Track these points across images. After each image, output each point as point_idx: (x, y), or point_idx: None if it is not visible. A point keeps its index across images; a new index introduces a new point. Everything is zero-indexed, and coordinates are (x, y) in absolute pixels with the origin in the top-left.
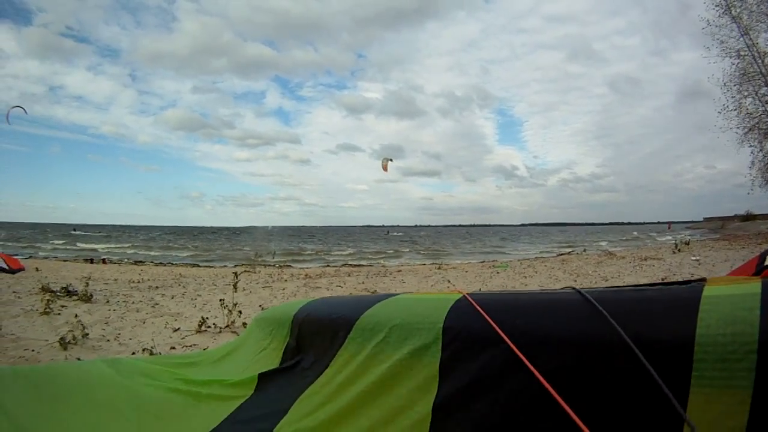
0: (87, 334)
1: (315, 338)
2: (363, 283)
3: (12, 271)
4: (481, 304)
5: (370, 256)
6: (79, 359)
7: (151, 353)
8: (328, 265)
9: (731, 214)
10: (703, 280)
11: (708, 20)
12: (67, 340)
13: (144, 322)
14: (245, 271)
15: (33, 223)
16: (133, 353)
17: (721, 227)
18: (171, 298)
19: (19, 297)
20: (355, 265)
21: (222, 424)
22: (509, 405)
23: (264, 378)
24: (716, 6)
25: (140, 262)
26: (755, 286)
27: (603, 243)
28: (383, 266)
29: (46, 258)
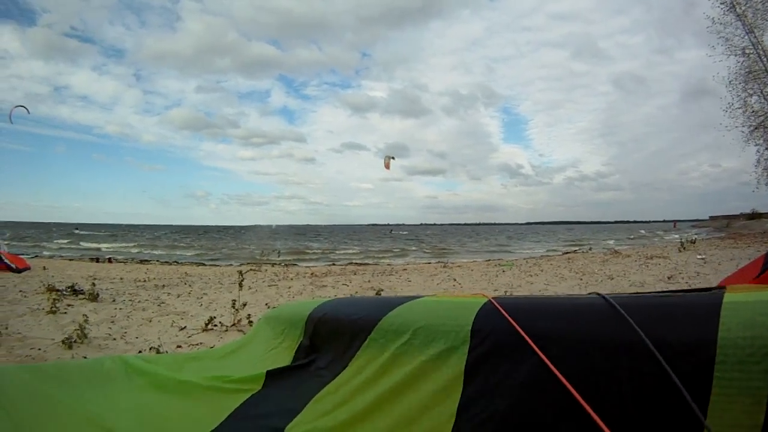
0: (87, 335)
1: (332, 338)
2: (369, 281)
3: (18, 271)
4: (507, 309)
5: (375, 255)
6: (85, 358)
7: (158, 352)
8: (333, 264)
9: (737, 213)
10: (723, 287)
11: (713, 18)
12: (73, 339)
13: (150, 321)
14: (251, 269)
15: (38, 223)
16: (140, 352)
17: (727, 226)
18: (177, 297)
19: (25, 296)
20: (360, 264)
21: (228, 418)
22: (534, 408)
23: (272, 375)
24: (721, 3)
25: (146, 260)
26: None
27: (610, 241)
28: (389, 265)
29: (51, 257)
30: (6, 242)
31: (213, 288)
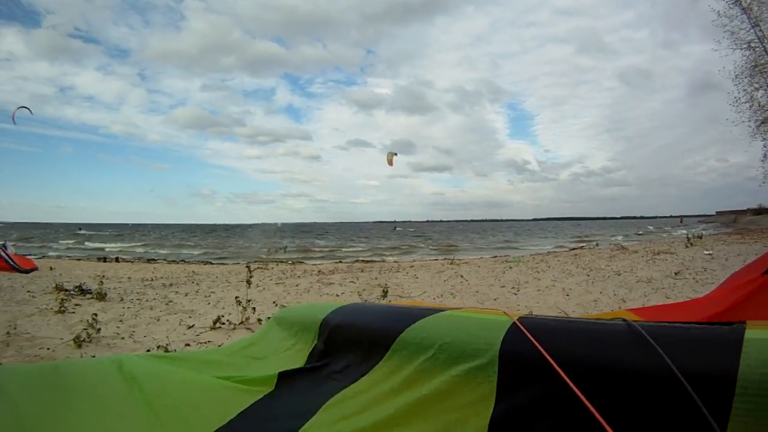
0: (99, 330)
1: (348, 345)
2: (376, 278)
3: (25, 271)
4: (534, 331)
5: (382, 252)
6: (93, 357)
7: (166, 350)
8: (340, 261)
9: (744, 208)
10: (744, 322)
11: (718, 11)
12: (81, 338)
13: (158, 320)
14: (258, 267)
15: (44, 223)
16: (148, 350)
17: (734, 221)
18: (185, 296)
19: (33, 296)
20: (367, 261)
21: (237, 417)
22: (561, 430)
23: (285, 376)
24: None
25: (153, 260)
26: None
27: (619, 237)
28: (396, 262)
29: (59, 257)
30: (12, 243)
31: (220, 286)
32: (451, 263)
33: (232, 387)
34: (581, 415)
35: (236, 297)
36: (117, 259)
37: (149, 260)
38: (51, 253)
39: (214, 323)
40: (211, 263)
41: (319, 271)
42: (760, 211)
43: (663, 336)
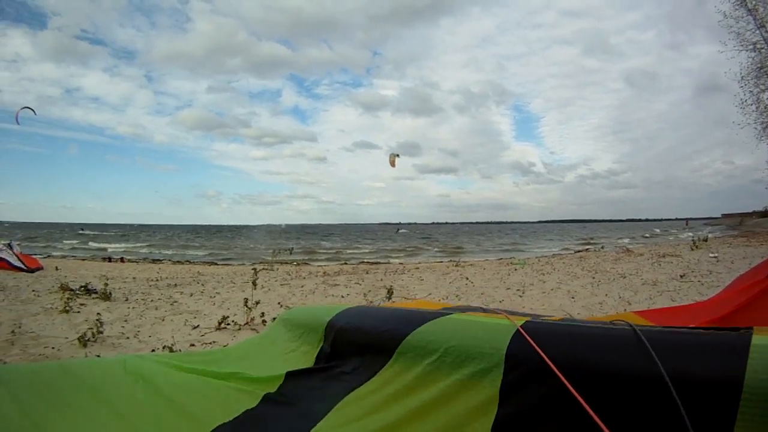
0: (105, 332)
1: (355, 348)
2: (381, 280)
3: (30, 270)
4: (538, 335)
5: (387, 254)
6: (98, 356)
7: (171, 350)
8: (345, 263)
9: (750, 211)
10: (750, 328)
11: (724, 12)
12: (86, 338)
13: (163, 320)
14: (263, 268)
15: (48, 224)
16: (153, 350)
17: (740, 223)
18: (190, 296)
19: (38, 295)
20: (372, 263)
21: (243, 415)
22: None
23: (291, 377)
24: None
25: (158, 260)
26: None
27: (625, 240)
28: (401, 264)
29: (64, 257)
30: (17, 242)
31: (226, 287)
32: (456, 265)
33: (238, 386)
34: (584, 419)
35: (246, 300)
36: (122, 259)
37: (154, 260)
38: (55, 253)
39: (219, 324)
40: (216, 264)
41: (325, 273)
42: (766, 214)
43: (668, 341)
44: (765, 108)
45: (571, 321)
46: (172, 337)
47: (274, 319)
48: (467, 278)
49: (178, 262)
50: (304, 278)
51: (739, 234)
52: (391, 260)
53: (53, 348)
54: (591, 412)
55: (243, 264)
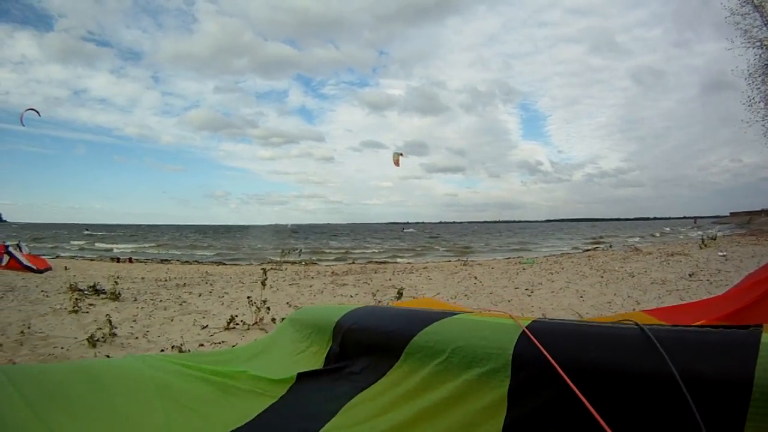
0: (115, 333)
1: (363, 348)
2: (390, 279)
3: (39, 271)
4: (545, 335)
5: (395, 253)
6: (108, 356)
7: (180, 350)
8: (353, 263)
9: (758, 209)
10: (760, 326)
11: (731, 9)
12: (95, 338)
13: (172, 320)
14: (271, 268)
15: (53, 224)
16: (162, 350)
17: (748, 222)
18: (198, 296)
19: (47, 296)
20: (380, 262)
21: (257, 418)
22: None
23: (302, 378)
24: None
25: (166, 260)
26: None
27: (635, 239)
28: (409, 263)
29: (72, 258)
30: (25, 243)
31: (234, 287)
32: (464, 264)
33: (250, 388)
34: (594, 421)
35: (249, 297)
36: (130, 260)
37: (162, 261)
38: (63, 254)
39: (228, 324)
40: (225, 264)
41: (333, 272)
42: None
43: (676, 341)
44: None
45: (577, 321)
46: (182, 337)
47: (283, 319)
48: (475, 278)
49: (186, 262)
50: (313, 278)
51: (747, 232)
52: (399, 260)
53: (62, 348)
54: (595, 414)
55: (251, 264)
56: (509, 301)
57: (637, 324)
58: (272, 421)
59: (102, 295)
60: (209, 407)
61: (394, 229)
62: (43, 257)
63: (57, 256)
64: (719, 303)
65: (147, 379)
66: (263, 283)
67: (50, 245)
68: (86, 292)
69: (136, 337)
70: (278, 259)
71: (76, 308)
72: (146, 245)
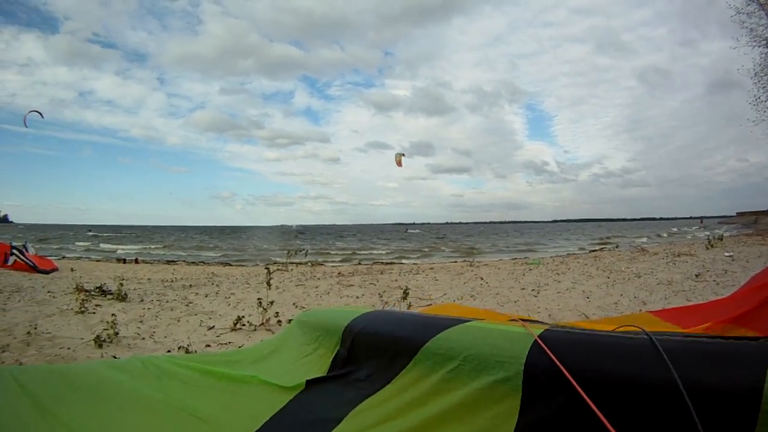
0: (118, 332)
1: (372, 353)
2: (396, 280)
3: (45, 272)
4: (556, 346)
5: (401, 254)
6: (114, 357)
7: (187, 351)
8: (359, 263)
9: (765, 209)
10: None
11: (736, 8)
12: (102, 339)
13: (178, 321)
14: (278, 269)
15: (58, 225)
16: (169, 351)
17: (755, 222)
18: (205, 297)
19: (53, 296)
20: (387, 263)
21: (264, 426)
22: None
23: (311, 384)
24: None
25: (172, 261)
26: None
27: (643, 239)
28: (415, 264)
29: (78, 258)
30: (31, 244)
31: (240, 288)
32: (470, 265)
33: (260, 395)
34: (604, 430)
35: (259, 299)
36: (136, 261)
37: (169, 262)
38: (69, 255)
39: (235, 324)
40: (231, 265)
41: (339, 273)
42: None
43: (685, 352)
44: None
45: (587, 330)
46: (188, 337)
47: (290, 320)
48: (482, 278)
49: (192, 263)
50: (319, 279)
51: (754, 232)
52: (405, 261)
53: (69, 349)
54: (607, 424)
55: (257, 265)
56: (516, 301)
57: (647, 334)
58: (279, 428)
59: (108, 296)
60: (217, 413)
61: (400, 230)
62: (49, 258)
63: (63, 257)
64: (726, 305)
65: (155, 383)
66: (268, 284)
67: (56, 246)
68: (93, 292)
69: (143, 338)
70: (284, 260)
71: (82, 309)
72: (152, 246)
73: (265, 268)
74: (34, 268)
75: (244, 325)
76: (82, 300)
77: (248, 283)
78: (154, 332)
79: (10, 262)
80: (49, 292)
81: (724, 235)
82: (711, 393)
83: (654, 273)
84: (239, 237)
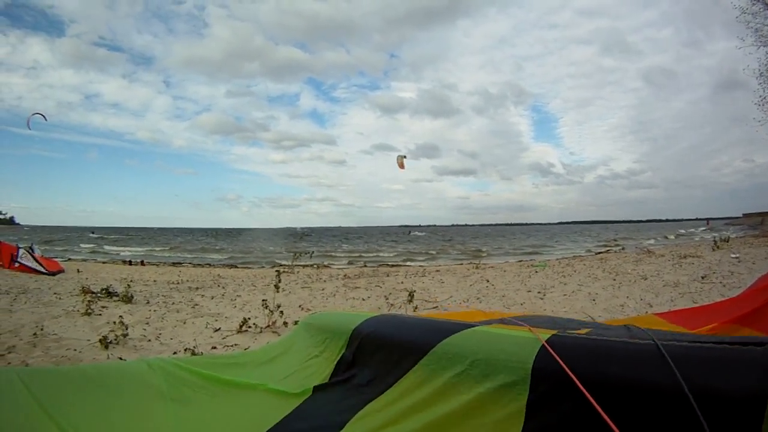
0: (127, 334)
1: (377, 357)
2: (402, 283)
3: (51, 273)
4: (564, 350)
5: (408, 256)
6: (120, 359)
7: (193, 353)
8: (365, 265)
9: None
10: None
11: (741, 8)
12: (108, 340)
13: (185, 323)
14: (283, 271)
15: (64, 227)
16: (175, 353)
17: (761, 223)
18: (211, 299)
19: (60, 298)
20: (393, 266)
21: (272, 430)
22: None
23: (318, 390)
24: None
25: (178, 263)
26: None
27: (651, 241)
28: (421, 266)
29: (84, 260)
30: (37, 245)
31: (246, 290)
32: (476, 267)
33: (267, 401)
34: None
35: (264, 301)
36: (142, 263)
37: (175, 264)
38: (75, 257)
39: (241, 326)
40: (237, 267)
41: (345, 276)
42: None
43: (691, 356)
44: None
45: (595, 334)
46: (194, 339)
47: (296, 322)
48: (488, 281)
49: (198, 265)
50: (325, 281)
51: (760, 234)
52: (411, 263)
53: (75, 350)
54: (615, 429)
55: (263, 267)
56: (522, 304)
57: (653, 339)
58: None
59: (114, 298)
60: (223, 419)
61: (405, 232)
62: (55, 260)
63: (68, 259)
64: (731, 306)
65: (162, 384)
66: (277, 287)
67: (62, 248)
68: (99, 294)
69: (149, 340)
70: (290, 262)
71: (88, 310)
72: (158, 248)
73: (275, 271)
74: (39, 271)
75: (250, 327)
76: (89, 302)
77: (254, 286)
78: (160, 334)
79: (16, 264)
80: (55, 293)
81: (731, 236)
82: (715, 398)
83: (660, 275)
84: (245, 239)
